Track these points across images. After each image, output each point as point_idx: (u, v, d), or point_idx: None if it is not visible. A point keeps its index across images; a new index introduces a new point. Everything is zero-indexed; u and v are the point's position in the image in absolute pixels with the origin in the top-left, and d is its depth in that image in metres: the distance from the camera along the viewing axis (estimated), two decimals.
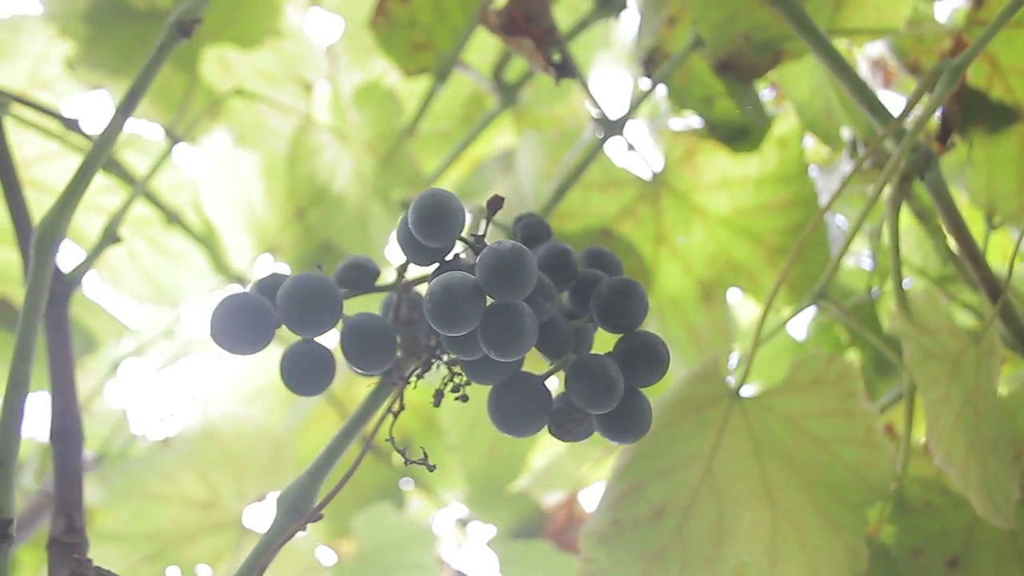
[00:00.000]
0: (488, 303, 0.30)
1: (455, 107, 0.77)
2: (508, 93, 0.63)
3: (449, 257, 0.34)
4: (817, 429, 0.55)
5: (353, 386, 0.90)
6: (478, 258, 0.29)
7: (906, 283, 0.87)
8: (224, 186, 0.76)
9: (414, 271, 0.38)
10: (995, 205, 0.70)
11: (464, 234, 0.32)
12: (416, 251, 0.33)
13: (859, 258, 0.93)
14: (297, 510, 0.35)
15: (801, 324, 0.85)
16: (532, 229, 0.36)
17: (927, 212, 0.77)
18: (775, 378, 0.76)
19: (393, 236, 0.73)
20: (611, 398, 0.32)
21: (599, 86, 0.98)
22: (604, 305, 0.34)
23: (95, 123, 0.67)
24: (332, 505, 0.97)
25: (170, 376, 0.95)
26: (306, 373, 0.34)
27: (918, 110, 0.57)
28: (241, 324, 0.32)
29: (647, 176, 0.72)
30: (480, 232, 0.33)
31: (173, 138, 0.61)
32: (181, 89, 0.68)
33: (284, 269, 0.82)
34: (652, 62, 0.68)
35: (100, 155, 0.35)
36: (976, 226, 0.82)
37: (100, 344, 0.77)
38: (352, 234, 0.70)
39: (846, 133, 0.74)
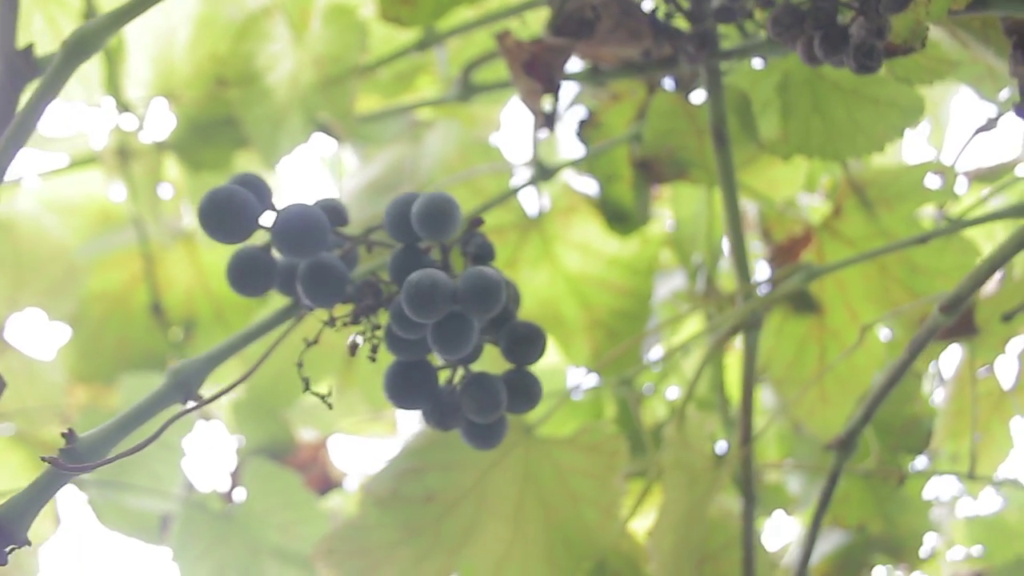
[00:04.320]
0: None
1: (400, 63, 0.80)
2: (468, 91, 0.68)
3: (421, 245, 0.39)
4: (576, 484, 0.64)
5: (170, 248, 0.89)
6: (464, 274, 0.34)
7: (673, 390, 1.01)
8: (153, 12, 0.73)
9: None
10: (769, 367, 0.84)
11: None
12: (400, 229, 0.38)
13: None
14: (186, 387, 0.38)
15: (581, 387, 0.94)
16: (482, 250, 0.42)
17: (722, 347, 0.90)
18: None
19: (296, 148, 0.75)
20: (496, 414, 0.38)
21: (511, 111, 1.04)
22: (515, 341, 0.40)
23: None
24: (87, 343, 0.94)
25: None
26: (254, 279, 0.38)
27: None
28: (235, 219, 0.35)
29: (531, 212, 0.79)
30: (458, 241, 0.39)
31: None
32: None
33: (173, 120, 0.80)
34: (586, 124, 0.75)
35: None
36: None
37: None
38: (263, 129, 0.71)
39: (695, 258, 0.85)
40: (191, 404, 0.37)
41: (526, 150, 0.67)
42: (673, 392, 1.00)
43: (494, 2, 0.66)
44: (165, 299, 0.89)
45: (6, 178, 0.85)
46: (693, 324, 0.99)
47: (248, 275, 0.37)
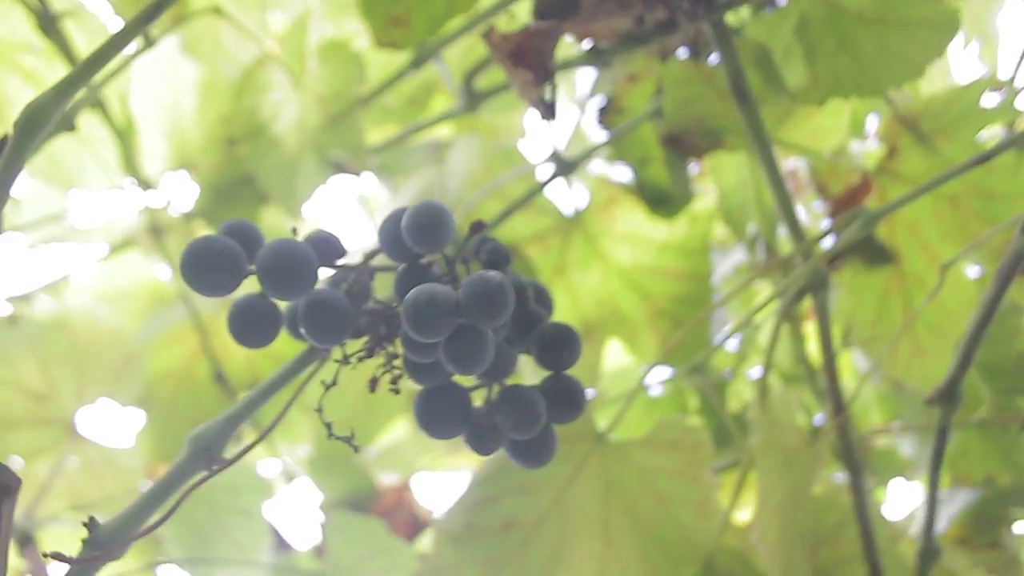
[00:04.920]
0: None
1: (406, 87, 0.78)
2: (474, 100, 0.65)
3: (423, 261, 0.36)
4: (663, 486, 0.60)
5: (221, 316, 0.89)
6: (465, 282, 0.31)
7: (756, 370, 0.96)
8: (157, 87, 0.74)
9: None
10: (853, 329, 0.79)
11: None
12: (396, 248, 0.35)
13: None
14: (209, 453, 0.36)
15: (656, 382, 0.90)
16: (495, 255, 0.39)
17: (795, 316, 0.85)
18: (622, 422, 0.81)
19: (316, 191, 0.74)
20: (535, 429, 0.35)
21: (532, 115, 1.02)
22: (546, 345, 0.37)
23: None
24: (162, 423, 0.95)
25: (35, 255, 0.90)
26: (255, 327, 0.36)
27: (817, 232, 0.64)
28: (216, 268, 0.33)
29: (568, 212, 0.76)
30: (462, 249, 0.36)
31: (146, 42, 0.59)
32: None
33: (196, 189, 0.80)
34: (606, 110, 0.72)
35: (110, 52, 0.35)
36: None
37: None
38: (278, 179, 0.70)
39: (751, 228, 0.80)
40: (215, 468, 0.35)
41: (547, 147, 0.64)
42: (756, 373, 0.95)
43: (483, 3, 0.64)
44: (227, 367, 0.89)
45: (50, 278, 0.87)
46: (764, 298, 0.94)
47: (249, 325, 0.35)
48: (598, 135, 0.79)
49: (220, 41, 0.70)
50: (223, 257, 0.33)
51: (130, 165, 0.74)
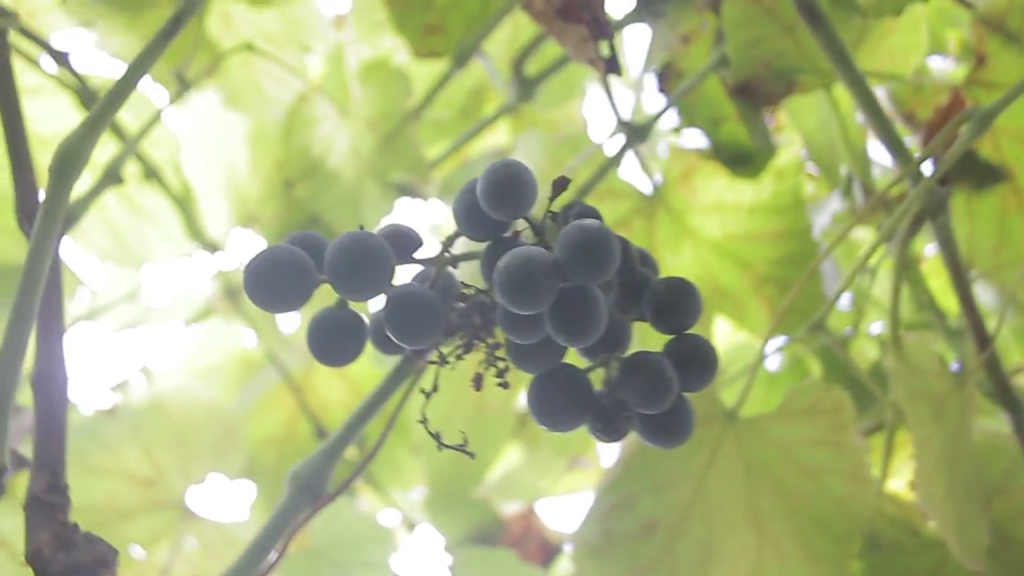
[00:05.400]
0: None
1: (456, 97, 0.76)
2: (526, 88, 0.62)
3: (507, 234, 0.33)
4: (807, 458, 0.55)
5: (313, 371, 0.87)
6: (561, 234, 0.28)
7: (877, 326, 0.89)
8: (207, 147, 0.73)
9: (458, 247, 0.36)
10: (974, 259, 0.72)
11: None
12: (475, 223, 0.32)
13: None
14: (312, 490, 0.32)
15: (773, 355, 0.85)
16: (584, 216, 0.35)
17: (910, 259, 0.79)
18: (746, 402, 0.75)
19: (384, 218, 0.71)
20: (667, 398, 0.31)
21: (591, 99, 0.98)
22: (661, 303, 0.33)
23: (83, 63, 0.64)
24: (273, 490, 0.93)
25: (122, 343, 0.91)
26: (337, 341, 0.32)
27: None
28: (282, 278, 0.29)
29: (647, 190, 0.71)
30: (545, 214, 0.32)
31: (180, 86, 0.58)
32: (182, 39, 0.64)
33: (263, 242, 0.78)
34: (665, 77, 0.68)
35: (135, 75, 0.32)
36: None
37: None
38: (343, 213, 0.68)
39: (843, 170, 0.74)
40: (320, 503, 0.31)
41: (611, 118, 0.60)
42: (877, 328, 0.88)
43: None
44: (326, 421, 0.87)
45: (139, 363, 0.86)
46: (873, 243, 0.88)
47: (330, 339, 0.32)
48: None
49: (260, 86, 0.68)
50: (289, 266, 0.29)
51: (194, 230, 0.73)
